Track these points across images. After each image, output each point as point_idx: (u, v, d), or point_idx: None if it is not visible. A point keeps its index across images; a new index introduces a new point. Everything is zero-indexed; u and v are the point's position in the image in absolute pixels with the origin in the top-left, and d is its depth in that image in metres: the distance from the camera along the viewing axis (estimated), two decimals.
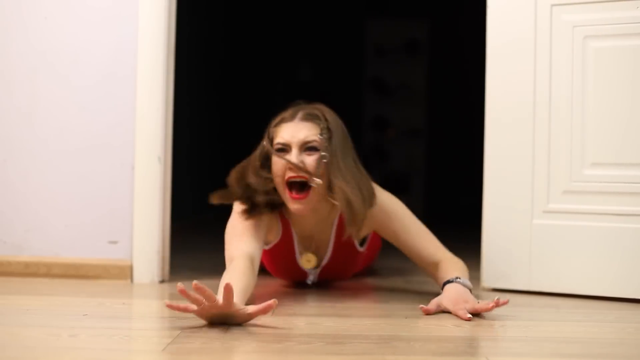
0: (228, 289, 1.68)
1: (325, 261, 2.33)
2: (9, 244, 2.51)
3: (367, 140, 7.50)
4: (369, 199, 2.15)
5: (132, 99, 2.49)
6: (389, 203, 2.25)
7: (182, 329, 1.73)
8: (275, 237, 2.28)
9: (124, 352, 1.56)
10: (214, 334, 1.69)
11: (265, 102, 7.10)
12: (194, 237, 4.00)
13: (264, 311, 1.76)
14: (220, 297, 1.71)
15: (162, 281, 2.49)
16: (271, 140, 2.15)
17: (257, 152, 2.18)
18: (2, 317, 1.88)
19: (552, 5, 2.36)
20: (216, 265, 2.61)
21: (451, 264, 2.16)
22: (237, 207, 2.17)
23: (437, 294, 2.03)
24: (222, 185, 2.20)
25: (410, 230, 2.23)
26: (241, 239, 2.09)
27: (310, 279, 2.37)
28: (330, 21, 7.45)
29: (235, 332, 1.71)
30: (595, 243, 2.30)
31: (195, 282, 1.66)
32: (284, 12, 7.33)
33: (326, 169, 2.09)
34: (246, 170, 2.16)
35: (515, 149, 2.39)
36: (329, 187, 2.11)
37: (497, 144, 2.43)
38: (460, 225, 4.86)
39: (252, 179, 2.14)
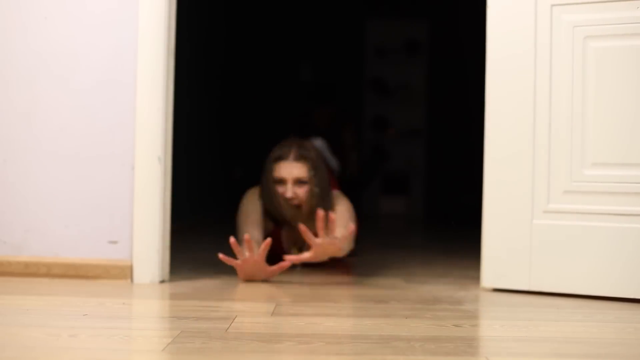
0: (249, 240, 2.41)
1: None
2: (8, 244, 2.51)
3: (367, 140, 7.50)
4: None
5: (132, 100, 2.49)
6: (339, 204, 2.87)
7: (182, 329, 1.73)
8: (268, 228, 2.90)
9: (124, 352, 1.56)
10: (214, 334, 1.69)
11: (265, 103, 7.10)
12: (194, 237, 4.00)
13: (283, 267, 2.48)
14: (255, 252, 2.44)
15: (162, 281, 2.49)
16: (269, 173, 2.79)
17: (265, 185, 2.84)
18: (2, 317, 1.88)
19: (552, 5, 2.36)
20: (216, 265, 2.61)
21: None
22: (248, 196, 2.86)
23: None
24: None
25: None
26: (251, 226, 2.78)
27: (297, 266, 2.83)
28: (330, 21, 7.44)
29: (235, 332, 1.72)
30: (596, 243, 2.30)
31: (232, 238, 2.40)
32: (284, 12, 7.33)
33: (312, 197, 2.78)
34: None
35: (516, 149, 2.39)
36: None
37: (498, 144, 2.43)
38: (460, 225, 4.86)
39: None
